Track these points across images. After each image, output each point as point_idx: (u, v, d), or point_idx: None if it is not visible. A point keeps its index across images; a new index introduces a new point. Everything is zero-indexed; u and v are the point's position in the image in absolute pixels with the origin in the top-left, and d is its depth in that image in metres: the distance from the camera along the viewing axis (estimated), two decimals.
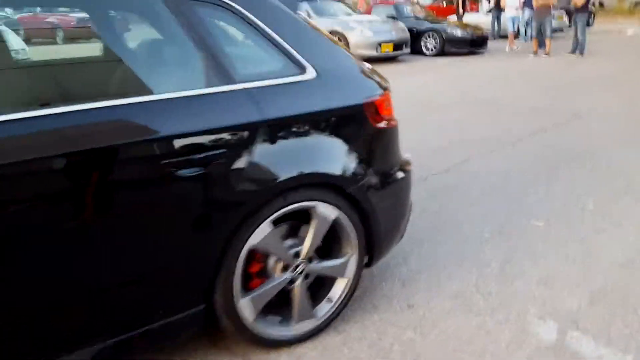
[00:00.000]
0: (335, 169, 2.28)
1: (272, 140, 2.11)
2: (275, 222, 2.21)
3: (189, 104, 1.95)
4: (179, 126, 1.91)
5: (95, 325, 1.87)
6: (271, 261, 2.26)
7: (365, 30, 11.95)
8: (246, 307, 2.16)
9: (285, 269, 2.26)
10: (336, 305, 2.45)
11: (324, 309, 2.42)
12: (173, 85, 1.98)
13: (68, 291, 1.80)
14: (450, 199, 4.01)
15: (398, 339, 2.41)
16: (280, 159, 2.14)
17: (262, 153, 2.08)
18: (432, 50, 13.84)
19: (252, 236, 2.11)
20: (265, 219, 2.13)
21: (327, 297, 2.44)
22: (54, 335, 1.81)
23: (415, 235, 3.40)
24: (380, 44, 11.90)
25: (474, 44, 13.88)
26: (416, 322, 2.52)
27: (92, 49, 2.70)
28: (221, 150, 1.98)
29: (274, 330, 2.30)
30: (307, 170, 2.19)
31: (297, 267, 2.28)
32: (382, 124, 2.48)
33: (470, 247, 3.23)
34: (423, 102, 7.74)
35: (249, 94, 2.07)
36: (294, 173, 2.16)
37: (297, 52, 2.25)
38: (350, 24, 12.13)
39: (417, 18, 14.70)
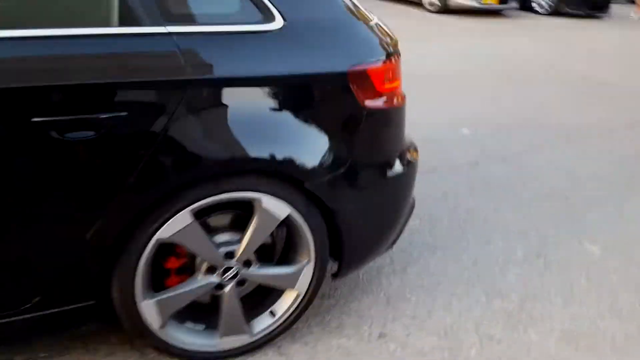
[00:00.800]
0: (291, 156, 1.72)
1: (201, 108, 1.58)
2: (209, 211, 1.73)
3: (82, 46, 1.45)
4: (66, 75, 1.43)
5: None
6: (198, 259, 1.78)
7: None
8: (151, 309, 1.72)
9: (212, 270, 1.78)
10: (280, 321, 1.95)
11: (263, 323, 1.93)
12: (65, 19, 1.48)
13: None
14: (492, 197, 3.30)
15: None
16: (211, 134, 1.61)
17: (185, 123, 1.56)
18: (544, 8, 12.26)
19: (163, 227, 1.63)
20: (183, 208, 1.63)
21: (269, 310, 1.94)
22: None
23: (430, 238, 2.78)
24: None
25: (595, 5, 12.14)
26: (381, 359, 1.98)
27: None
28: (123, 113, 1.48)
29: (192, 340, 1.85)
30: (250, 154, 1.65)
31: (227, 270, 1.79)
32: (376, 103, 1.85)
33: (491, 268, 2.58)
34: (510, 68, 6.75)
35: (177, 41, 1.53)
36: (230, 155, 1.63)
37: None
38: None
39: None
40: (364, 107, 1.82)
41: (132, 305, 1.69)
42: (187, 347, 1.84)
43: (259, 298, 1.95)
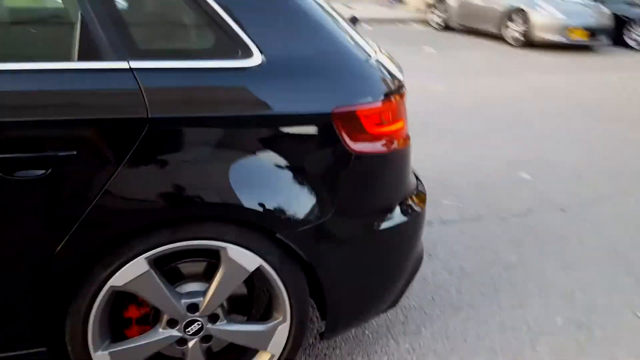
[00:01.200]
0: (260, 204, 1.56)
1: (160, 149, 1.47)
2: (179, 256, 1.61)
3: (34, 81, 1.40)
4: (17, 111, 1.38)
5: None
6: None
7: (552, 10, 10.12)
8: None
9: (173, 323, 1.64)
10: None
11: None
12: (23, 53, 1.44)
13: None
14: (538, 253, 2.93)
15: None
16: (167, 177, 1.49)
17: (140, 164, 1.45)
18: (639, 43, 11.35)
19: (116, 274, 1.52)
20: (138, 255, 1.52)
21: None
22: None
23: (456, 295, 2.49)
24: (569, 29, 10.01)
25: None
26: None
27: None
28: (73, 152, 1.40)
29: None
30: (209, 199, 1.52)
31: (191, 323, 1.64)
32: (369, 146, 1.66)
33: (520, 337, 2.24)
34: (593, 107, 6.21)
35: (139, 78, 1.44)
36: (186, 200, 1.50)
37: (241, 27, 1.54)
38: (536, 0, 10.37)
39: (630, 3, 12.14)
40: (352, 152, 1.63)
41: (85, 354, 1.59)
42: None
43: (234, 355, 1.78)
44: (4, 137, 1.37)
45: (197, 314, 1.64)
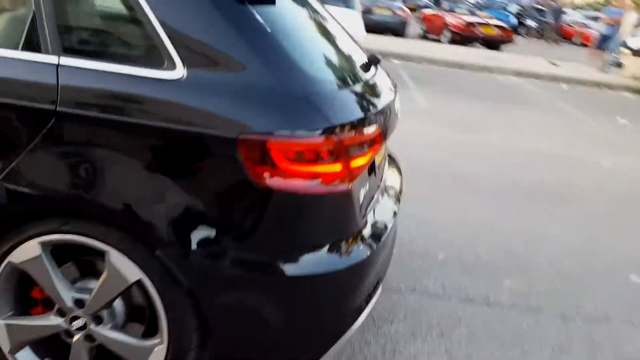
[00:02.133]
0: (146, 216, 1.54)
1: (63, 143, 1.55)
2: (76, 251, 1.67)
3: None
4: None
5: None
6: None
7: None
8: (2, 330, 1.71)
9: (62, 314, 1.69)
10: None
11: None
12: None
13: None
14: None
15: None
16: (63, 169, 1.56)
17: (42, 154, 1.55)
18: None
19: (13, 252, 1.63)
20: (32, 237, 1.60)
21: None
22: None
23: None
24: None
25: None
26: None
27: None
28: None
29: None
30: (97, 199, 1.54)
31: (76, 318, 1.67)
32: (278, 182, 1.52)
33: None
34: None
35: (60, 73, 1.54)
36: (75, 194, 1.56)
37: (171, 40, 1.55)
38: None
39: None
40: (260, 185, 1.52)
41: None
42: None
43: None
44: None
45: (81, 310, 1.66)
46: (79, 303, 1.66)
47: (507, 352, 2.41)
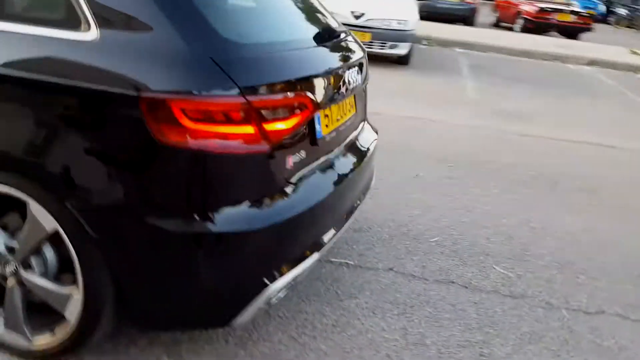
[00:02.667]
0: (56, 168, 1.62)
1: None
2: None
3: None
4: None
5: None
6: None
7: None
8: None
9: None
10: (55, 343, 1.81)
11: (45, 338, 1.83)
12: None
13: None
14: None
15: None
16: None
17: None
18: None
19: None
20: None
21: (51, 327, 1.83)
22: None
23: None
24: None
25: None
26: None
27: None
28: None
29: None
30: (11, 151, 1.66)
31: (8, 263, 1.80)
32: (183, 140, 1.55)
33: None
34: None
35: None
36: None
37: (88, 4, 1.61)
38: None
39: None
40: (164, 142, 1.56)
41: None
42: None
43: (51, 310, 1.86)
44: None
45: (12, 256, 1.78)
46: (12, 250, 1.78)
47: (468, 335, 2.30)
